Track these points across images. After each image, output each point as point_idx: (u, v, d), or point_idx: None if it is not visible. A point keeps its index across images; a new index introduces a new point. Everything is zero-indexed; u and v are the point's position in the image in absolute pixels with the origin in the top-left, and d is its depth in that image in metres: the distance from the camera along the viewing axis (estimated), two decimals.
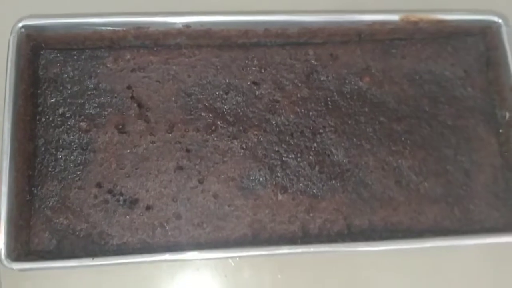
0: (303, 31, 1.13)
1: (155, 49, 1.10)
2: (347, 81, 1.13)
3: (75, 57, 1.08)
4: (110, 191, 1.02)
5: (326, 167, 1.08)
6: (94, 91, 1.07)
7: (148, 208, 1.02)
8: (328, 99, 1.12)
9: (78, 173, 1.02)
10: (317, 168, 1.07)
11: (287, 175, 1.06)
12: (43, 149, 1.03)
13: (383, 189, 1.07)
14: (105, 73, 1.08)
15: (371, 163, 1.09)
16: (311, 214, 1.04)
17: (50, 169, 1.02)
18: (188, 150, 1.05)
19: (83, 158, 1.03)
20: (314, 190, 1.06)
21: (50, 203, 0.99)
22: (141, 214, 1.01)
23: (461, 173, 1.10)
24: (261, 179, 1.05)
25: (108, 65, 1.08)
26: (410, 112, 1.13)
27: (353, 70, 1.14)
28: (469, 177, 1.10)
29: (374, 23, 1.13)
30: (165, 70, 1.10)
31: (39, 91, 1.06)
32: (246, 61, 1.12)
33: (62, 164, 1.02)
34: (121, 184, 1.02)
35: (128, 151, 1.04)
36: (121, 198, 1.01)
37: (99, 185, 1.02)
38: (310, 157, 1.08)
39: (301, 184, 1.06)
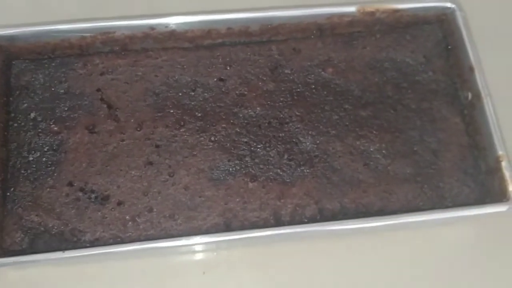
0: (265, 29, 1.17)
1: (123, 53, 1.14)
2: (310, 73, 1.17)
3: (46, 65, 1.12)
4: (81, 189, 1.03)
5: (294, 155, 1.09)
6: (65, 96, 1.10)
7: (119, 203, 1.03)
8: (293, 90, 1.15)
9: (50, 173, 1.04)
10: (285, 156, 1.09)
11: (257, 164, 1.08)
12: (15, 152, 1.05)
13: (352, 173, 1.09)
14: (75, 78, 1.11)
15: (338, 148, 1.11)
16: (282, 201, 1.05)
17: (22, 171, 1.04)
18: (157, 146, 1.08)
19: (55, 159, 1.05)
20: (284, 177, 1.07)
21: (22, 203, 1.01)
22: (112, 209, 1.02)
23: (429, 153, 1.11)
24: (230, 169, 1.07)
25: (78, 71, 1.12)
26: (374, 98, 1.15)
27: (316, 62, 1.18)
28: (437, 156, 1.11)
29: (332, 15, 1.17)
30: (133, 71, 1.13)
31: (11, 99, 1.09)
32: (212, 59, 1.16)
33: (34, 166, 1.04)
34: (92, 182, 1.04)
35: (98, 150, 1.06)
36: (93, 195, 1.03)
37: (70, 184, 1.03)
38: (279, 146, 1.10)
39: (270, 172, 1.08)
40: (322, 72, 1.17)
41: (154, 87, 1.13)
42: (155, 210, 1.03)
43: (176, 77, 1.14)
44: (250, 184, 1.06)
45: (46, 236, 0.99)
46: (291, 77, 1.16)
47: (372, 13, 1.19)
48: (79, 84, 1.11)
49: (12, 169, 1.04)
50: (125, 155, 1.06)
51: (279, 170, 1.08)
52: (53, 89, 1.10)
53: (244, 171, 1.07)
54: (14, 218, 1.00)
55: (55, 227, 1.00)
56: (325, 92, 1.16)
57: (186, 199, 1.04)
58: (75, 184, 1.04)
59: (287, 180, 1.07)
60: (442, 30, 1.22)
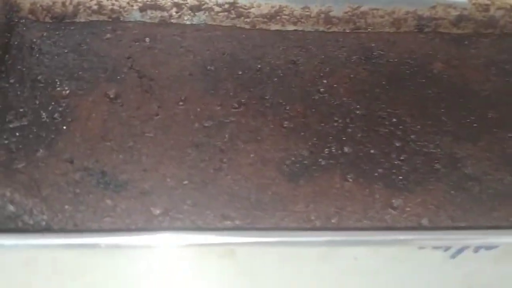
0: (350, 14, 0.90)
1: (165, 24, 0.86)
2: (413, 66, 0.87)
3: (63, 27, 0.83)
4: (86, 169, 0.66)
5: (407, 155, 0.73)
6: (81, 58, 0.78)
7: (143, 192, 0.64)
8: (394, 82, 0.84)
9: (42, 145, 0.67)
10: (393, 155, 0.73)
11: (353, 162, 0.71)
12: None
13: (496, 184, 0.71)
14: (99, 42, 0.81)
15: (470, 152, 0.75)
16: (397, 210, 0.67)
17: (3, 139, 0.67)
18: (206, 126, 0.72)
19: (53, 128, 0.69)
20: (395, 181, 0.70)
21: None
22: (131, 198, 0.63)
23: None
24: (315, 163, 0.70)
25: (105, 35, 0.82)
26: (505, 100, 0.83)
27: (419, 55, 0.88)
28: None
29: (437, 4, 0.91)
30: (178, 42, 0.84)
31: (7, 56, 0.77)
32: (283, 41, 0.87)
33: (20, 133, 0.68)
34: (104, 161, 0.67)
35: (120, 123, 0.71)
36: (103, 179, 0.65)
37: (70, 161, 0.66)
38: (382, 143, 0.74)
39: (375, 173, 0.70)
40: (430, 66, 0.87)
41: (204, 61, 0.82)
42: (199, 204, 0.64)
43: (235, 55, 0.83)
44: (346, 184, 0.68)
45: (19, 223, 0.58)
46: (388, 67, 0.86)
47: (486, 7, 0.92)
48: (103, 48, 0.80)
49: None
50: (160, 132, 0.71)
51: (388, 172, 0.71)
52: (66, 50, 0.79)
53: (335, 168, 0.70)
54: None
55: (36, 213, 0.60)
56: (436, 89, 0.84)
57: (248, 194, 0.65)
58: (76, 162, 0.66)
59: (401, 186, 0.69)
60: None
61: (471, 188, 0.71)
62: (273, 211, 0.64)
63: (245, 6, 0.88)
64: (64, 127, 0.69)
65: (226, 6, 0.88)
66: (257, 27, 0.91)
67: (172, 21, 0.89)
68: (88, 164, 0.66)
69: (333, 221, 0.64)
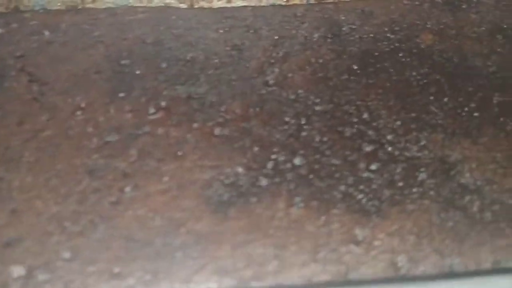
0: None
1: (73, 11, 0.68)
2: (395, 41, 0.67)
3: None
4: None
5: (380, 163, 0.54)
6: None
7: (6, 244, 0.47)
8: (368, 63, 0.64)
9: None
10: (362, 165, 0.54)
11: (305, 178, 0.53)
12: None
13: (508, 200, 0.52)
14: None
15: (467, 153, 0.56)
16: (361, 245, 0.48)
17: None
18: (107, 142, 0.55)
19: None
20: (363, 203, 0.51)
21: None
22: None
23: None
24: (250, 184, 0.52)
25: None
26: None
27: (404, 26, 0.68)
28: None
29: None
30: (87, 32, 0.65)
31: None
32: (217, 18, 0.68)
33: None
34: None
35: None
36: None
37: None
38: (348, 149, 0.55)
39: (334, 192, 0.52)
40: (416, 40, 0.67)
41: (118, 54, 0.63)
42: (80, 257, 0.46)
43: (160, 43, 0.65)
44: (293, 211, 0.50)
45: None
46: (360, 46, 0.66)
47: None
48: None
49: None
50: (44, 154, 0.53)
51: (353, 190, 0.52)
52: None
53: (280, 189, 0.52)
54: None
55: None
56: (424, 69, 0.64)
57: (153, 236, 0.47)
58: None
59: (371, 209, 0.50)
60: None
61: (468, 205, 0.51)
62: (185, 259, 0.46)
63: None
64: None
65: None
66: (195, 6, 0.72)
67: (87, 6, 0.71)
68: None
69: (269, 268, 0.46)
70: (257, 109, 0.59)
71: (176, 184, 0.52)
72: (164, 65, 0.63)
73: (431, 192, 0.52)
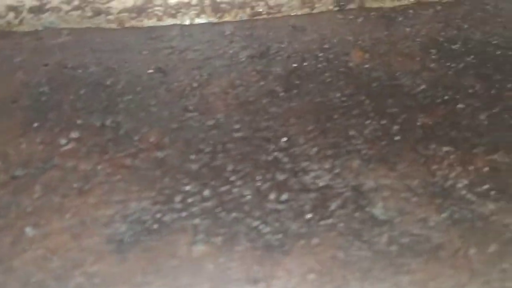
0: None
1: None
2: (323, 60, 0.65)
3: None
4: None
5: (293, 194, 0.53)
6: None
7: None
8: (293, 85, 0.63)
9: None
10: (274, 195, 0.53)
11: (212, 212, 0.52)
12: None
13: (421, 229, 0.51)
14: None
15: (384, 181, 0.55)
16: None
17: None
18: (14, 179, 0.54)
19: None
20: (269, 238, 0.50)
21: None
22: None
23: None
24: (156, 220, 0.51)
25: None
26: (445, 96, 0.61)
27: (334, 43, 0.66)
28: None
29: None
30: (7, 57, 0.64)
31: None
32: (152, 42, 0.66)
33: None
34: None
35: None
36: None
37: None
38: (262, 178, 0.54)
39: (241, 226, 0.51)
40: (345, 58, 0.65)
41: (38, 81, 0.63)
42: None
43: (82, 67, 0.64)
44: (196, 250, 0.49)
45: None
46: (287, 66, 0.64)
47: None
48: None
49: None
50: None
51: (259, 223, 0.51)
52: None
53: (185, 225, 0.51)
54: None
55: None
56: (349, 89, 0.62)
57: (48, 280, 0.47)
58: None
59: (275, 244, 0.50)
60: None
61: (376, 238, 0.50)
62: None
63: (101, 1, 0.68)
64: None
65: (76, 2, 0.68)
66: (126, 25, 0.71)
67: (13, 29, 0.70)
68: None
69: None
70: (173, 137, 0.58)
71: (78, 222, 0.51)
72: (82, 91, 0.62)
73: (340, 225, 0.51)
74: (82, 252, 0.49)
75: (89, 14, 0.69)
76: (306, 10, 0.71)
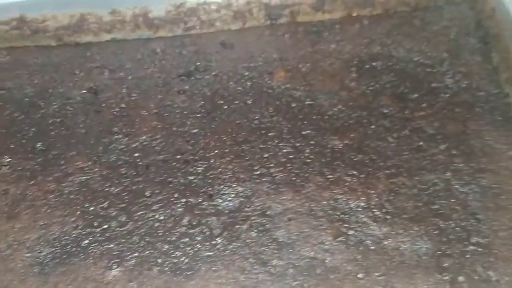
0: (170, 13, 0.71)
1: None
2: (247, 80, 0.68)
3: None
4: None
5: (203, 219, 0.58)
6: None
7: None
8: (214, 108, 0.66)
9: None
10: (185, 219, 0.58)
11: (127, 237, 0.56)
12: None
13: (313, 252, 0.55)
14: None
15: (289, 205, 0.59)
16: None
17: None
18: None
19: None
20: (178, 262, 0.55)
21: None
22: None
23: (464, 215, 0.57)
24: (77, 244, 0.56)
25: None
26: (358, 119, 0.65)
27: (259, 62, 0.69)
28: (480, 222, 0.57)
29: None
30: None
31: None
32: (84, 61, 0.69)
33: None
34: None
35: None
36: None
37: None
38: (176, 202, 0.59)
39: (151, 251, 0.56)
40: (267, 79, 0.68)
41: None
42: None
43: (11, 90, 0.67)
44: (111, 274, 0.54)
45: None
46: (212, 86, 0.68)
47: None
48: None
49: None
50: None
51: (170, 247, 0.56)
52: None
53: (101, 249, 0.56)
54: None
55: None
56: (270, 110, 0.65)
57: None
58: None
59: (183, 267, 0.55)
60: (475, 12, 0.73)
61: (275, 261, 0.55)
62: None
63: (37, 20, 0.71)
64: None
65: (14, 23, 0.71)
66: (65, 40, 0.74)
67: None
68: None
69: None
70: (98, 160, 0.62)
71: (5, 246, 0.56)
72: (16, 115, 0.66)
73: (245, 248, 0.56)
74: (7, 274, 0.54)
75: (27, 32, 0.72)
76: (239, 25, 0.74)
